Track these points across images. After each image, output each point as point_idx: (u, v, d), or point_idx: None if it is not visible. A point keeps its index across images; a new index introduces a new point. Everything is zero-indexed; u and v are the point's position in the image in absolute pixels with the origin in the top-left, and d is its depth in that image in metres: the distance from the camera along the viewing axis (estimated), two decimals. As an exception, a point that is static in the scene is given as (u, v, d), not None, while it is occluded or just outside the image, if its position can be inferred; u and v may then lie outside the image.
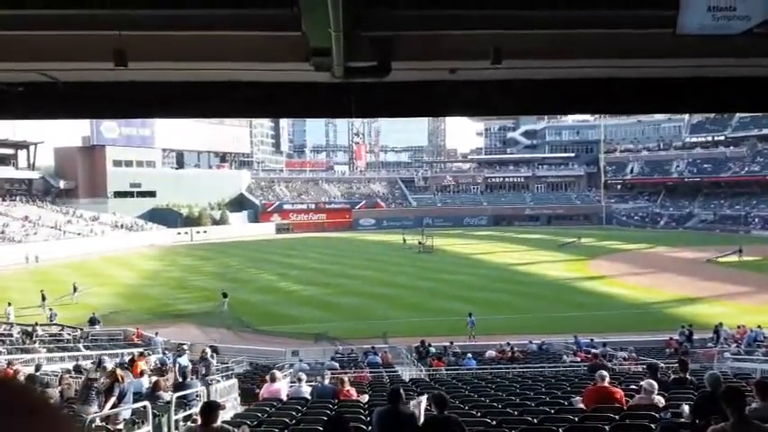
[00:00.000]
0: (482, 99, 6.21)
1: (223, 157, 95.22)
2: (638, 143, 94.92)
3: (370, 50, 4.66)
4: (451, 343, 21.08)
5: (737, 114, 78.95)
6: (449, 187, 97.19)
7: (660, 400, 7.23)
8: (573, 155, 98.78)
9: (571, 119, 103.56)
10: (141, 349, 17.28)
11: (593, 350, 18.81)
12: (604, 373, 8.22)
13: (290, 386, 11.05)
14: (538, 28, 4.30)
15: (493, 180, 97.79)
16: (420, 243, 55.08)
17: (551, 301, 30.42)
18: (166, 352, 19.31)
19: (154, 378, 10.93)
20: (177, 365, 13.83)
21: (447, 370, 16.60)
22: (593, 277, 38.48)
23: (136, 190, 75.54)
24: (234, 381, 13.55)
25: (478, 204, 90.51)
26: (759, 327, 21.35)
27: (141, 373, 11.21)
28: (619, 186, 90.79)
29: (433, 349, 19.85)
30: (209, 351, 16.53)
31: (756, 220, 67.74)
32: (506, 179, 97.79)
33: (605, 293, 32.88)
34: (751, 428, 4.64)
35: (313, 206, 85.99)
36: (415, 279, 38.14)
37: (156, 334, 22.78)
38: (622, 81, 5.69)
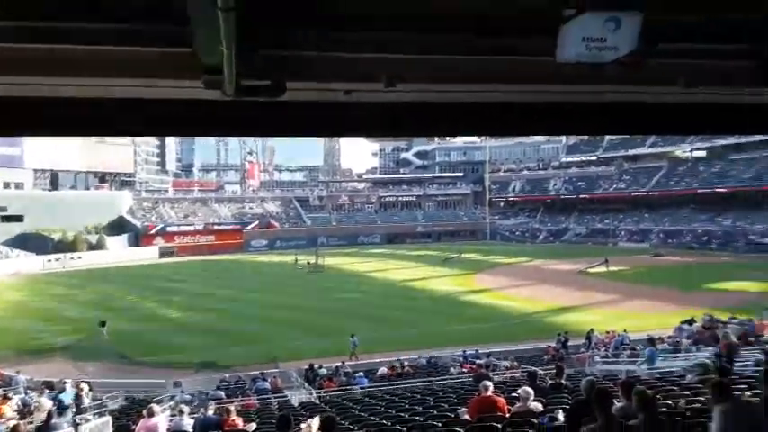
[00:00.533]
0: (376, 121, 6.22)
1: (102, 178, 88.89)
2: (519, 163, 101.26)
3: (264, 69, 4.49)
4: (343, 362, 20.88)
5: (607, 137, 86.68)
6: (344, 206, 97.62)
7: (537, 406, 7.49)
8: (461, 174, 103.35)
9: (459, 140, 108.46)
10: (1, 391, 15.39)
11: (478, 361, 19.44)
12: (488, 383, 8.41)
13: (170, 420, 10.28)
14: (434, 53, 4.33)
15: (386, 199, 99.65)
16: (309, 263, 54.67)
17: (440, 315, 31.26)
18: (29, 392, 17.38)
19: (12, 422, 9.73)
20: (59, 403, 12.62)
21: (339, 390, 16.36)
22: (479, 290, 40.12)
23: (1, 214, 68.35)
24: (107, 418, 12.47)
25: (373, 223, 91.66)
26: (624, 331, 23.23)
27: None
28: (502, 204, 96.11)
29: (323, 370, 19.54)
30: (85, 387, 15.06)
31: (623, 233, 74.34)
32: (399, 198, 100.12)
33: (490, 305, 34.35)
34: (617, 427, 4.91)
35: (201, 227, 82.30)
36: (306, 300, 37.63)
37: (18, 372, 20.45)
38: (510, 105, 5.88)
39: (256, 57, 4.31)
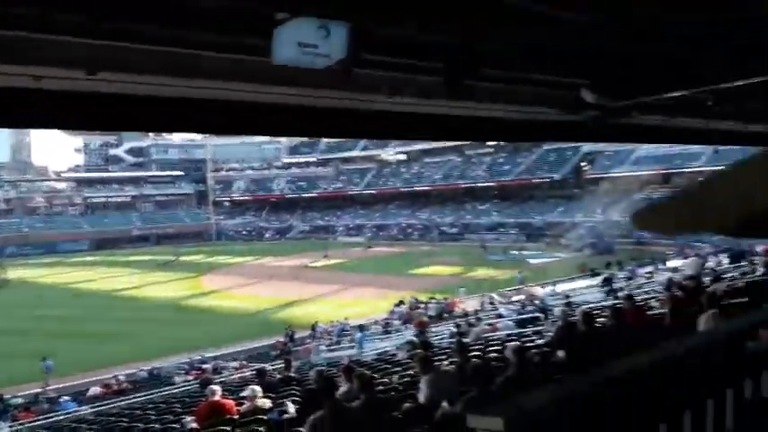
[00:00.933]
0: (76, 112, 5.37)
1: None
2: (243, 163, 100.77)
3: None
4: (44, 388, 18.14)
5: (324, 139, 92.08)
6: (39, 209, 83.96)
7: (265, 403, 7.57)
8: (181, 173, 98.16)
9: (178, 137, 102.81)
10: None
11: (205, 366, 18.88)
12: (214, 387, 8.18)
13: None
14: (137, 42, 3.89)
15: (94, 200, 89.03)
16: None
17: (165, 323, 29.31)
18: None
19: None
20: None
21: (41, 420, 14.15)
22: (207, 293, 38.92)
23: None
24: None
25: (78, 227, 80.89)
26: (346, 319, 25.14)
27: None
28: (227, 203, 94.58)
29: (18, 400, 16.67)
30: None
31: (341, 228, 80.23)
32: (110, 199, 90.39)
33: (219, 307, 33.61)
34: (344, 411, 5.22)
35: None
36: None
37: None
38: (229, 104, 5.69)
39: None
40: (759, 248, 19.64)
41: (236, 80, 4.89)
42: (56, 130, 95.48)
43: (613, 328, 7.40)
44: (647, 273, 25.03)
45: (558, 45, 4.78)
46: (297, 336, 23.86)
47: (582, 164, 68.51)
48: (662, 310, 9.31)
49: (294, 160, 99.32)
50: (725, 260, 20.87)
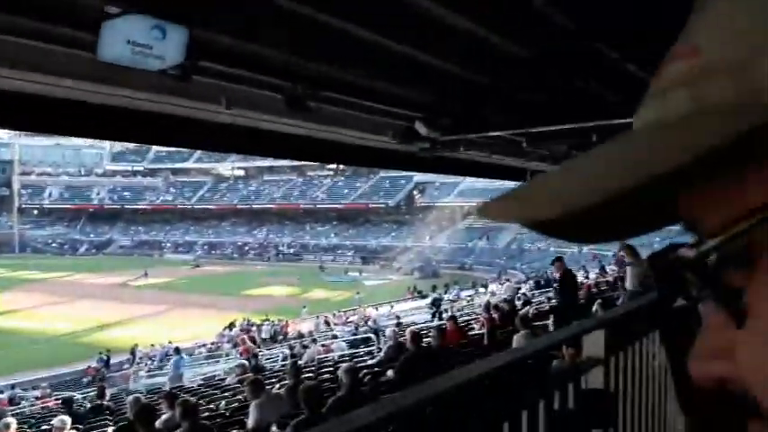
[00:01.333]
0: None
1: None
2: (58, 167, 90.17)
3: None
4: None
5: (155, 147, 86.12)
6: None
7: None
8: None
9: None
10: None
11: (-1, 397, 16.42)
12: (8, 419, 7.16)
13: None
14: None
15: None
16: None
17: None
18: None
19: None
20: None
21: None
22: (4, 312, 33.94)
23: None
24: None
25: None
26: (170, 342, 23.49)
27: None
28: (36, 212, 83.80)
29: None
30: None
31: (169, 244, 75.28)
32: None
33: (18, 329, 29.48)
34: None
35: None
36: None
37: None
38: (42, 99, 5.06)
39: None
40: (556, 275, 22.29)
41: (53, 74, 4.39)
42: None
43: (438, 347, 7.85)
44: (468, 296, 27.09)
45: (396, 77, 5.06)
46: (114, 361, 21.74)
47: (414, 192, 72.69)
48: (481, 331, 10.15)
49: (119, 168, 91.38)
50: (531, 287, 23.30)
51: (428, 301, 25.35)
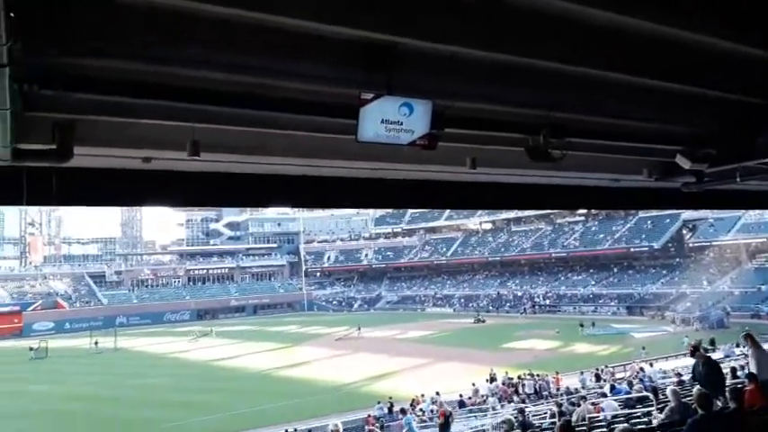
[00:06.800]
0: (180, 190, 5.90)
1: None
2: (332, 234, 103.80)
3: (48, 133, 4.04)
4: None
5: (410, 210, 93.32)
6: (147, 281, 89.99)
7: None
8: (275, 245, 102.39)
9: (272, 211, 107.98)
10: None
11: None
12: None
13: None
14: (234, 124, 4.29)
15: (196, 272, 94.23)
16: (31, 349, 48.21)
17: (257, 394, 29.70)
18: None
19: None
20: None
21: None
22: (298, 364, 39.23)
23: None
24: None
25: (180, 298, 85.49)
26: (437, 393, 24.20)
27: None
28: (318, 274, 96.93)
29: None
30: None
31: (429, 299, 79.46)
32: (210, 271, 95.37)
33: (309, 379, 33.68)
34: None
35: (-35, 312, 69.30)
36: (98, 387, 33.28)
37: None
38: (322, 180, 5.99)
39: (39, 119, 3.86)
40: None
41: (326, 157, 5.14)
42: (162, 207, 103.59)
43: (735, 412, 6.64)
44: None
45: (649, 113, 4.65)
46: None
47: (683, 231, 64.59)
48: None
49: (381, 231, 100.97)
50: None
51: (718, 355, 21.70)
